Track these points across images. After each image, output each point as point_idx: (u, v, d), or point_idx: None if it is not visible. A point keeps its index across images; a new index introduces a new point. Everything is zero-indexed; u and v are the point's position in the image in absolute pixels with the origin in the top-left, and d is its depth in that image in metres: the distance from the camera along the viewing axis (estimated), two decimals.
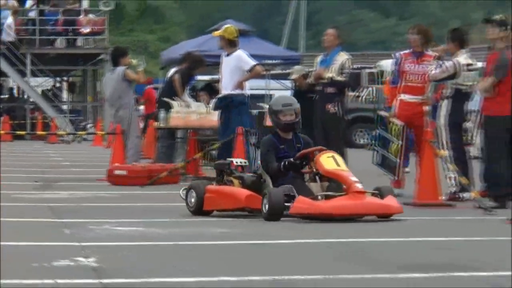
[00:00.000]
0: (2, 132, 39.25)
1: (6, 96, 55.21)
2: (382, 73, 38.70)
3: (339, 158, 13.07)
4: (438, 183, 14.93)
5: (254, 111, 22.93)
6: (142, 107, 32.70)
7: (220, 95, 19.40)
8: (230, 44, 18.69)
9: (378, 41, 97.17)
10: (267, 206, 12.15)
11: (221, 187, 13.33)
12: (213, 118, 20.68)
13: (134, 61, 22.46)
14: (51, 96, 50.50)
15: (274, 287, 8.09)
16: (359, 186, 12.45)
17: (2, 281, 8.09)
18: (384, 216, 12.67)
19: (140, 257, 10.01)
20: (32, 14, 48.65)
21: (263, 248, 10.88)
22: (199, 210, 13.25)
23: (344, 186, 12.93)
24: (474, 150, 21.22)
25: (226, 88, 18.70)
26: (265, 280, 8.29)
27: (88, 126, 47.65)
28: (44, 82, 52.13)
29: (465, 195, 15.29)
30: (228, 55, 18.70)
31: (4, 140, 39.38)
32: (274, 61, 35.12)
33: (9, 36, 45.99)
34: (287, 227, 12.49)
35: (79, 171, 23.43)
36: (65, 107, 50.65)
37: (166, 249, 10.61)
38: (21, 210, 14.14)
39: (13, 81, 50.90)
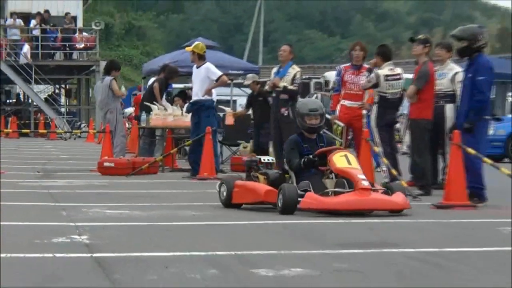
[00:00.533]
0: (10, 130, 39.39)
1: (14, 100, 55.07)
2: (327, 82, 38.87)
3: (351, 157, 12.02)
4: (373, 173, 15.03)
5: (220, 114, 22.86)
6: (132, 109, 32.54)
7: (192, 100, 19.40)
8: (200, 58, 18.78)
9: (324, 56, 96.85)
10: (281, 201, 11.27)
11: (246, 183, 12.44)
12: (186, 119, 20.68)
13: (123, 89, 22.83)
14: (51, 100, 50.36)
15: (236, 260, 8.07)
16: (365, 183, 11.41)
17: (10, 254, 8.16)
18: (393, 211, 11.62)
19: (125, 235, 10.04)
20: (36, 32, 48.41)
21: (227, 228, 10.87)
22: (228, 202, 12.44)
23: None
24: (403, 147, 21.43)
25: (197, 94, 18.79)
26: (228, 254, 8.38)
27: (82, 125, 47.41)
28: (45, 89, 51.87)
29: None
30: (198, 67, 18.77)
31: (11, 137, 39.47)
32: (237, 72, 35.05)
33: (24, 60, 46.19)
34: (248, 211, 12.54)
35: (74, 163, 23.25)
36: (63, 109, 50.29)
37: (146, 228, 10.57)
38: (25, 195, 14.10)
39: (19, 88, 50.75)
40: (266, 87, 19.28)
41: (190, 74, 21.42)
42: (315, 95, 43.57)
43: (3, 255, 8.11)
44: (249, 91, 23.52)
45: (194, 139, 18.90)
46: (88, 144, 37.50)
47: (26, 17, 49.69)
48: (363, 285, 7.00)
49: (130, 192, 15.03)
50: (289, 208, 11.27)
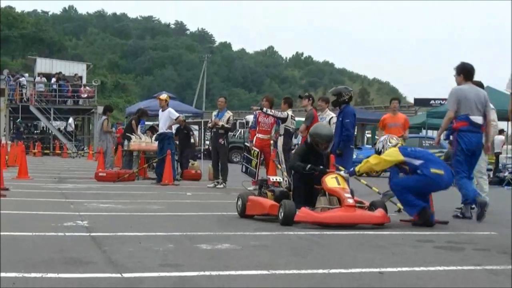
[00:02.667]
0: (36, 151, 39.10)
1: (39, 131, 54.39)
2: (247, 122, 39.01)
3: (341, 178, 10.12)
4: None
5: (177, 142, 22.70)
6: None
7: (158, 132, 19.42)
8: (165, 104, 18.89)
9: (245, 105, 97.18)
10: (282, 214, 9.64)
11: (256, 198, 10.74)
12: (154, 145, 20.66)
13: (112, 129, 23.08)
14: (64, 131, 49.98)
15: (186, 238, 8.06)
16: (350, 201, 9.70)
17: (34, 233, 8.06)
18: (375, 225, 9.62)
19: (113, 221, 9.96)
20: (54, 86, 48.11)
21: (180, 217, 10.81)
22: (243, 213, 10.66)
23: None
24: None
25: (162, 128, 18.86)
26: (181, 234, 8.36)
27: (85, 148, 47.04)
28: (60, 124, 51.41)
29: None
30: (163, 110, 18.84)
31: (37, 155, 39.03)
32: (187, 114, 35.03)
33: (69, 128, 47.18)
34: (195, 205, 12.51)
35: (79, 173, 23.06)
36: (71, 138, 49.85)
37: (127, 217, 10.44)
38: (45, 194, 13.92)
39: (43, 123, 50.28)
40: (209, 125, 19.42)
41: (156, 115, 21.64)
42: (239, 131, 43.76)
43: (32, 233, 8.04)
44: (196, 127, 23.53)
45: (159, 158, 18.85)
46: (88, 161, 37.12)
47: (48, 75, 49.37)
48: (271, 255, 6.98)
49: (116, 192, 14.90)
50: (288, 220, 9.54)
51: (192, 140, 23.09)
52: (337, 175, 10.19)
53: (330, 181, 10.03)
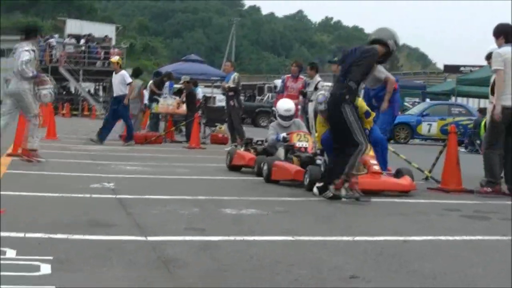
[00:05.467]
0: (65, 112, 39.40)
1: (70, 92, 54.62)
2: (275, 86, 38.83)
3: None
4: None
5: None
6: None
7: (114, 96, 18.50)
8: (117, 67, 18.45)
9: (274, 69, 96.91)
10: (307, 180, 9.38)
11: (281, 163, 10.52)
12: (183, 108, 20.75)
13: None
14: (92, 93, 50.18)
15: (211, 202, 8.07)
16: (376, 167, 9.47)
17: (63, 194, 8.13)
18: (401, 192, 9.46)
19: (139, 183, 10.00)
20: (83, 48, 48.19)
21: (207, 181, 10.85)
22: (269, 178, 10.46)
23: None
24: None
25: (117, 92, 18.31)
26: (206, 198, 8.37)
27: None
28: (89, 85, 51.62)
29: None
30: (116, 73, 18.38)
31: (66, 116, 39.37)
32: (216, 78, 34.95)
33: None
34: (220, 169, 12.54)
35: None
36: (100, 99, 49.93)
37: (153, 179, 10.52)
38: (74, 155, 13.99)
39: (72, 84, 50.49)
40: (220, 89, 19.82)
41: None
42: (267, 95, 43.66)
43: (58, 194, 8.09)
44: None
45: (187, 121, 18.79)
46: (117, 123, 37.26)
47: (77, 37, 49.40)
48: (295, 221, 6.98)
49: (143, 155, 14.95)
50: (314, 186, 9.20)
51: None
52: None
53: None
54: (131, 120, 18.84)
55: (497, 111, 9.66)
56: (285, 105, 12.11)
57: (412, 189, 9.53)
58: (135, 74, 22.26)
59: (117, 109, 18.45)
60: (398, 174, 9.85)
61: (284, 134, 11.43)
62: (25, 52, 11.98)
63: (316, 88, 15.30)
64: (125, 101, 18.07)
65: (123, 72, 18.37)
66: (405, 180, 9.60)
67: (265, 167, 10.65)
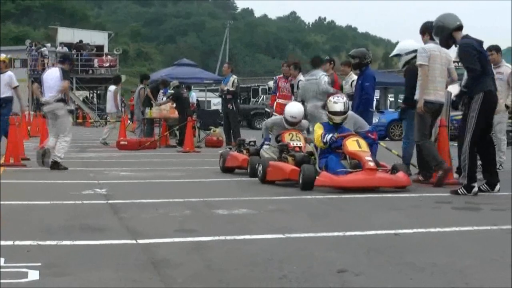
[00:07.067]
0: None
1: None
2: (269, 88, 38.84)
3: (362, 141, 9.82)
4: None
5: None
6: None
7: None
8: (3, 66, 16.02)
9: (269, 71, 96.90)
10: (301, 179, 9.34)
11: (276, 163, 10.42)
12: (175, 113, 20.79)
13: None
14: (86, 101, 50.09)
15: (203, 204, 8.05)
16: (371, 164, 9.35)
17: (54, 202, 8.13)
18: (396, 187, 9.38)
19: (131, 188, 10.02)
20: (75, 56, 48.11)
21: (198, 184, 10.86)
22: (264, 179, 10.34)
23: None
24: None
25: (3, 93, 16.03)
26: (198, 200, 8.36)
27: (107, 117, 47.26)
28: (83, 93, 51.48)
29: None
30: (3, 73, 15.82)
31: None
32: (210, 81, 34.98)
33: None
34: (215, 172, 12.52)
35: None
36: (94, 107, 49.85)
37: (146, 184, 10.52)
38: (66, 163, 13.88)
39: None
40: (218, 93, 19.80)
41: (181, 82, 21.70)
42: (262, 97, 43.69)
43: (50, 202, 8.10)
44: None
45: (180, 126, 18.76)
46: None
47: (69, 45, 49.25)
48: (287, 219, 6.98)
49: (137, 160, 14.94)
50: (308, 185, 9.29)
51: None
52: (358, 138, 9.92)
53: (351, 144, 9.77)
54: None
55: (419, 104, 10.07)
56: (293, 110, 11.80)
57: (407, 185, 9.47)
58: (115, 82, 22.74)
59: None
60: (393, 170, 9.75)
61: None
62: None
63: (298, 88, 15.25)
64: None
65: (10, 73, 16.54)
66: (400, 176, 9.50)
67: (260, 168, 10.54)
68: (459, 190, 8.89)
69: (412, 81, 10.61)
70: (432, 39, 10.18)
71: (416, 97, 10.17)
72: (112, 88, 22.57)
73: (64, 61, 13.69)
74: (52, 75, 13.24)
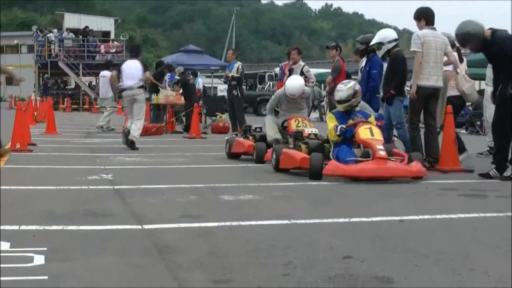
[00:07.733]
0: (66, 106, 39.47)
1: (70, 87, 54.49)
2: (276, 74, 38.77)
3: (375, 129, 9.48)
4: None
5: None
6: None
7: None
8: None
9: (275, 58, 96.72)
10: (309, 168, 9.07)
11: (288, 150, 9.99)
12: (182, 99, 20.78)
13: None
14: (93, 87, 50.07)
15: (209, 190, 8.06)
16: (382, 153, 8.98)
17: (60, 187, 8.13)
18: (411, 178, 8.95)
19: (137, 173, 10.03)
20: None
21: (204, 169, 10.89)
22: (277, 167, 10.00)
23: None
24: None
25: None
26: (204, 186, 8.37)
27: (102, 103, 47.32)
28: (89, 79, 51.44)
29: None
30: None
31: (67, 111, 39.34)
32: (216, 68, 34.95)
33: None
34: (221, 158, 12.53)
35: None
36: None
37: (151, 170, 10.55)
38: (74, 148, 13.96)
39: (72, 79, 50.37)
40: (223, 79, 19.79)
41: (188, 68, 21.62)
42: (268, 83, 43.62)
43: (55, 187, 8.10)
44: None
45: (187, 112, 18.76)
46: (117, 116, 37.26)
47: (76, 31, 49.19)
48: (292, 205, 6.98)
49: (142, 146, 14.90)
50: (316, 174, 9.00)
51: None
52: (372, 125, 9.60)
53: (363, 132, 9.44)
54: None
55: (412, 89, 10.25)
56: (291, 88, 11.75)
57: (421, 175, 9.07)
58: (108, 67, 22.99)
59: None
60: (408, 159, 9.34)
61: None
62: None
63: (301, 73, 15.11)
64: None
65: None
66: (414, 165, 9.10)
67: (274, 156, 10.22)
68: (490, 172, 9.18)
69: (397, 67, 10.90)
70: (427, 24, 10.36)
71: (410, 83, 10.39)
72: (106, 73, 22.67)
73: (138, 54, 15.65)
74: (133, 66, 14.85)
